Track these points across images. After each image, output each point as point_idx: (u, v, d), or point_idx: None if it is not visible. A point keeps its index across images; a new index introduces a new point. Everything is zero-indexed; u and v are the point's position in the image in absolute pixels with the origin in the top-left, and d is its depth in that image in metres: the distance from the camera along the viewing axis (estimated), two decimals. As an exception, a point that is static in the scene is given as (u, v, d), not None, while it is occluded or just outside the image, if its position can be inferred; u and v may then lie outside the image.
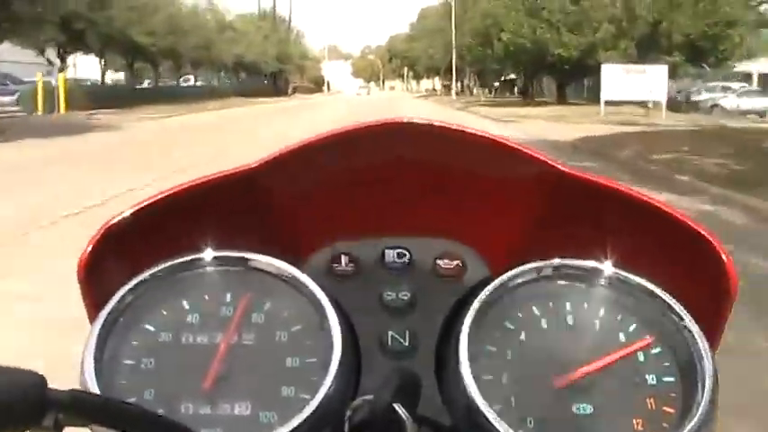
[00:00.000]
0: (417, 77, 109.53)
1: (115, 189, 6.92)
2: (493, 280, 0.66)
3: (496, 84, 52.92)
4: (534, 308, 0.65)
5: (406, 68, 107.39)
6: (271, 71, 57.54)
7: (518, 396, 0.61)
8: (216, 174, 0.65)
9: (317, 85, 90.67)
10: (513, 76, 48.99)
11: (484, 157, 0.69)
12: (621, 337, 0.64)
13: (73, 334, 0.81)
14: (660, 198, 0.67)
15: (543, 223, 0.70)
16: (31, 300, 3.82)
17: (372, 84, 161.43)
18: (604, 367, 0.61)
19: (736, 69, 28.83)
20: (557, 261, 0.67)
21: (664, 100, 20.40)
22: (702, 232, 0.63)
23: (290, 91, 69.31)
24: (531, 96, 38.08)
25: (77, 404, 0.50)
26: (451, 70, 55.78)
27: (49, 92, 22.85)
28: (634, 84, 20.63)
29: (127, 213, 0.64)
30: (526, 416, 0.60)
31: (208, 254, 0.67)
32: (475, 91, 60.03)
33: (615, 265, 0.66)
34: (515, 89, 49.84)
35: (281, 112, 26.92)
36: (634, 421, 0.60)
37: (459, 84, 69.53)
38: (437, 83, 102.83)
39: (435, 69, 70.25)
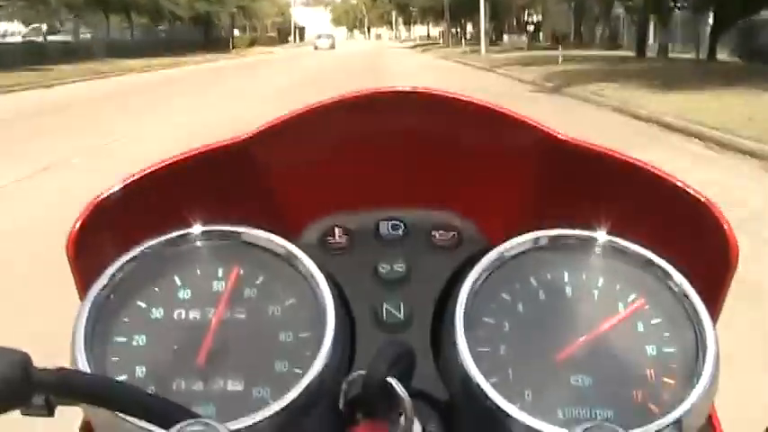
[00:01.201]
0: (408, 23, 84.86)
1: None
2: (489, 251, 0.69)
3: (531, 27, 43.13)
4: (532, 279, 0.69)
5: (394, 12, 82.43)
6: (192, 14, 35.28)
7: (515, 368, 0.64)
8: (207, 145, 0.69)
9: (283, 36, 68.28)
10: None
11: (481, 126, 0.73)
12: (620, 307, 0.67)
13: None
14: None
15: (541, 193, 0.74)
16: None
17: (356, 32, 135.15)
18: (603, 338, 0.64)
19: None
20: (554, 231, 0.70)
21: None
22: (703, 199, 0.66)
23: (231, 44, 46.88)
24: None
25: (63, 383, 0.49)
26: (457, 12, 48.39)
27: None
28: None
29: (116, 188, 0.67)
30: (524, 388, 0.63)
31: (199, 228, 0.70)
32: (506, 38, 37.17)
33: (613, 235, 0.69)
34: (540, 34, 42.20)
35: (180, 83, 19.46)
36: (634, 392, 0.63)
37: (459, 29, 60.32)
38: (432, 29, 78.57)
39: (434, 10, 60.31)
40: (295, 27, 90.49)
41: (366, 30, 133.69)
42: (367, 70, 21.49)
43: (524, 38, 39.68)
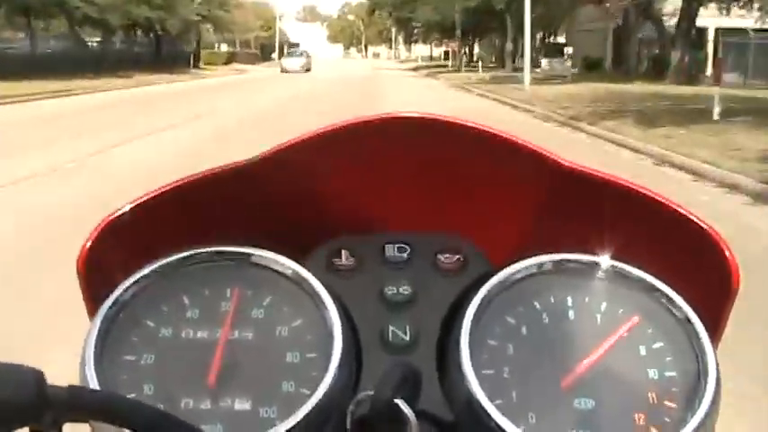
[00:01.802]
0: (409, 41, 74.19)
1: None
2: (494, 274, 0.73)
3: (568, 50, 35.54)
4: (535, 302, 0.72)
5: (393, 29, 71.82)
6: (127, 22, 24.28)
7: (519, 391, 0.67)
8: (216, 168, 0.73)
9: (267, 52, 58.26)
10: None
11: (485, 152, 0.76)
12: (624, 332, 0.70)
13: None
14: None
15: (544, 217, 0.78)
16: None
17: (353, 50, 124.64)
18: (606, 361, 0.68)
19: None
20: (558, 256, 0.73)
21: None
22: (705, 227, 0.69)
23: (193, 60, 35.58)
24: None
25: (76, 401, 0.51)
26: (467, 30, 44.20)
27: None
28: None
29: (127, 208, 0.71)
30: (528, 411, 0.66)
31: (208, 249, 0.74)
32: (545, 63, 25.03)
33: (616, 260, 0.73)
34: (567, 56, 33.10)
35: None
36: (636, 416, 0.66)
37: (467, 50, 53.54)
38: (435, 49, 68.14)
39: (440, 26, 51.25)
40: (284, 43, 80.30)
41: (363, 48, 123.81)
42: (350, 109, 11.65)
43: (568, 63, 29.71)
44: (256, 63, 60.07)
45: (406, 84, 30.52)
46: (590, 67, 30.59)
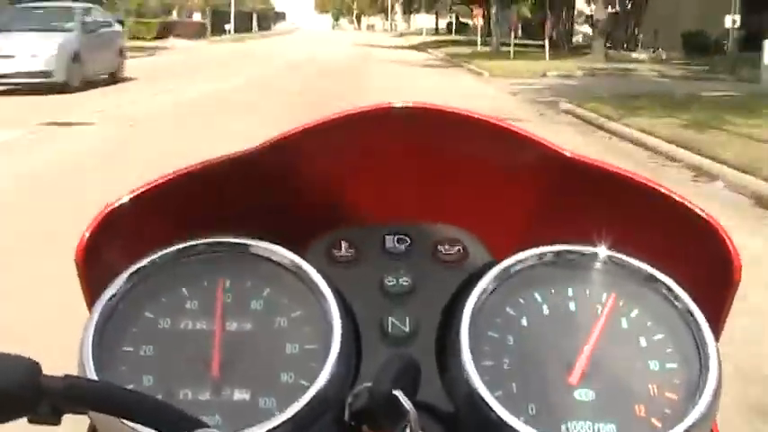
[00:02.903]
0: (408, 11, 56.54)
1: None
2: (494, 265, 0.77)
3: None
4: (536, 294, 0.76)
5: None
6: None
7: (519, 382, 0.71)
8: (215, 158, 0.77)
9: (218, 25, 42.57)
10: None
11: (487, 142, 0.81)
12: (624, 322, 0.74)
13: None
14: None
15: (545, 208, 0.82)
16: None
17: (344, 21, 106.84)
18: (606, 353, 0.72)
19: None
20: (558, 247, 0.77)
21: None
22: (707, 217, 0.73)
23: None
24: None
25: (72, 391, 0.54)
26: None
27: None
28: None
29: (126, 199, 0.75)
30: (528, 402, 0.70)
31: (207, 240, 0.78)
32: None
33: (617, 251, 0.77)
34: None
35: None
36: (636, 407, 0.69)
37: (455, 21, 50.26)
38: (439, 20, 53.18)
39: None
40: (267, 12, 64.02)
41: (355, 19, 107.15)
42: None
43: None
44: (201, 37, 43.45)
45: (406, 74, 19.97)
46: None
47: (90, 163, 7.25)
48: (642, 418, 0.68)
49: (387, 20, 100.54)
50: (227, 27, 50.33)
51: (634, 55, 26.87)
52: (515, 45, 26.34)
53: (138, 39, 39.01)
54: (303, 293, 0.75)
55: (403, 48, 39.33)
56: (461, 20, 58.52)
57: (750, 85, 15.37)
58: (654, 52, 27.19)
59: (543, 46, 23.19)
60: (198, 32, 45.65)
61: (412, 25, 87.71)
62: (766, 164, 7.01)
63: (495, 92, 15.87)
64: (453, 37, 51.35)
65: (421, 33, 63.03)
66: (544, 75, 18.82)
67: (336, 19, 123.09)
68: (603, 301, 0.74)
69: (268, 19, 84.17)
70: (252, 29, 64.58)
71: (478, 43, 32.22)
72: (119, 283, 0.73)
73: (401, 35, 68.79)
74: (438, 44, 38.97)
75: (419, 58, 28.60)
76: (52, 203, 5.58)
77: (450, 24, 61.62)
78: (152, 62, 23.96)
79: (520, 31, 33.56)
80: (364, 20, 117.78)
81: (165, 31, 42.35)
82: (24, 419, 0.51)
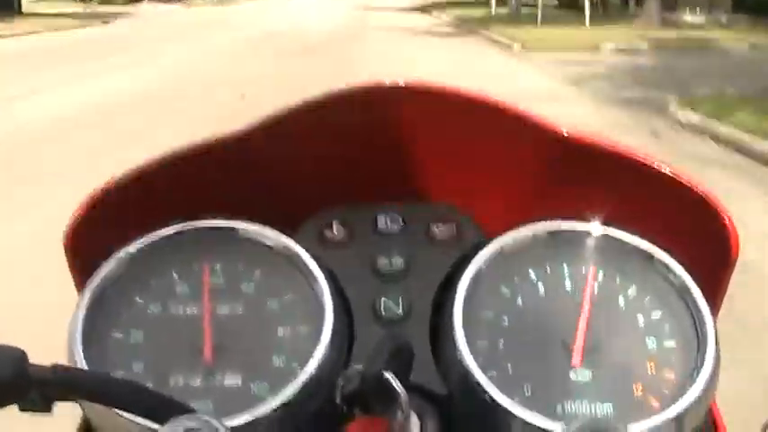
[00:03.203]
0: None
1: None
2: (488, 244, 0.76)
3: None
4: (531, 272, 0.76)
5: None
6: None
7: (514, 362, 0.71)
8: (203, 140, 0.76)
9: None
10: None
11: (482, 120, 0.79)
12: (621, 301, 0.74)
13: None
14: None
15: (541, 186, 0.81)
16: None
17: None
18: (603, 332, 0.71)
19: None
20: (553, 224, 0.77)
21: None
22: (706, 195, 0.72)
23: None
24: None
25: (58, 379, 0.54)
26: None
27: None
28: None
29: (113, 182, 0.75)
30: (523, 382, 0.70)
31: (196, 223, 0.77)
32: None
33: (614, 228, 0.77)
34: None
35: None
36: (634, 386, 0.69)
37: None
38: None
39: None
40: None
41: None
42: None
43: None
44: (177, 1, 37.88)
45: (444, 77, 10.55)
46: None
47: None
48: (640, 398, 0.67)
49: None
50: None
51: (688, 18, 20.51)
52: (534, 7, 21.40)
53: (108, 3, 33.69)
54: (294, 276, 0.74)
55: (402, 10, 32.94)
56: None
57: None
58: (709, 14, 21.68)
59: (568, 8, 18.89)
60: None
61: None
62: None
63: (544, 78, 10.10)
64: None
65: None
66: (596, 48, 13.76)
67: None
68: (600, 279, 0.74)
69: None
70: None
71: (493, 4, 26.58)
72: (107, 268, 0.72)
73: None
74: (443, 5, 32.74)
75: (424, 24, 22.81)
76: None
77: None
78: (84, 36, 18.16)
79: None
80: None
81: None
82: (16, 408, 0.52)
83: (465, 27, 21.38)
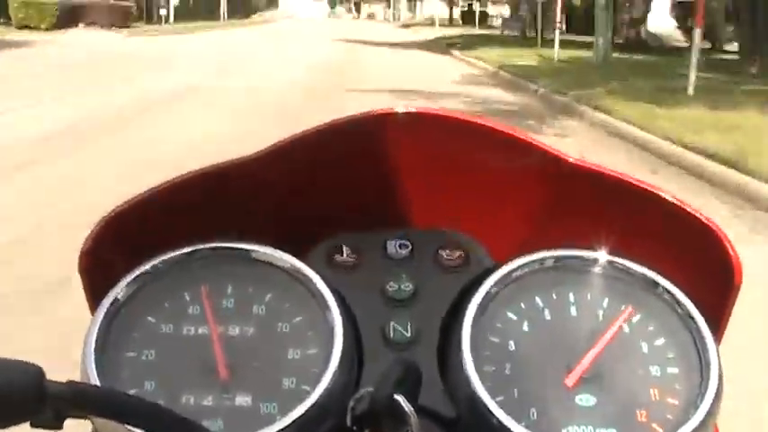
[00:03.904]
0: None
1: None
2: (495, 271, 0.78)
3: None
4: (537, 298, 0.77)
5: None
6: None
7: (521, 387, 0.72)
8: (216, 165, 0.78)
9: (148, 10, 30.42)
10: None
11: (489, 147, 0.81)
12: (625, 327, 0.75)
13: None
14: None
15: (547, 213, 0.83)
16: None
17: (340, 9, 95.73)
18: (608, 358, 0.72)
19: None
20: (559, 252, 0.78)
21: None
22: (710, 225, 0.73)
23: None
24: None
25: (75, 396, 0.54)
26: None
27: None
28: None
29: (128, 205, 0.76)
30: (529, 407, 0.71)
31: (209, 245, 0.78)
32: None
33: (618, 256, 0.78)
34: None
35: None
36: (637, 412, 0.70)
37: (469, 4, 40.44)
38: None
39: None
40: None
41: (353, 6, 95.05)
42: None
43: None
44: (125, 26, 30.81)
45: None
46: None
47: None
48: (644, 424, 0.68)
49: (389, 8, 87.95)
50: (162, 12, 34.86)
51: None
52: (562, 42, 15.59)
53: (29, 28, 27.00)
54: (305, 298, 0.75)
55: (409, 46, 25.29)
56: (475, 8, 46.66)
57: None
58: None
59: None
60: (120, 18, 31.21)
61: (417, 14, 75.14)
62: None
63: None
64: (479, 30, 37.23)
65: (431, 24, 50.68)
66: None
67: (333, 6, 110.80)
68: (605, 306, 0.75)
69: (250, 3, 70.64)
70: (220, 14, 47.90)
71: (538, 41, 19.71)
72: (121, 287, 0.74)
73: (407, 26, 51.75)
74: (463, 42, 24.30)
75: (446, 75, 14.87)
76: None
77: (464, 13, 49.84)
78: None
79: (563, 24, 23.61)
80: (365, 7, 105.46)
81: (71, 17, 28.74)
82: (26, 424, 0.51)
83: (543, 101, 11.47)
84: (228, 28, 38.22)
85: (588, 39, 18.68)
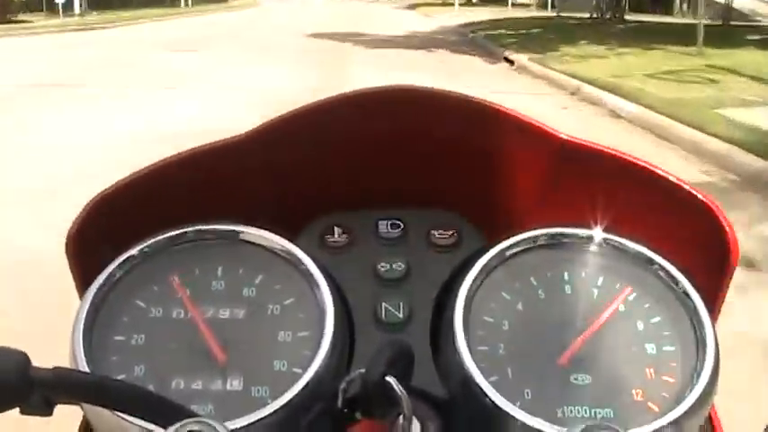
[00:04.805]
0: None
1: None
2: (489, 250, 0.78)
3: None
4: (531, 277, 0.77)
5: None
6: None
7: (515, 367, 0.72)
8: (205, 145, 0.78)
9: None
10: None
11: (481, 125, 0.81)
12: (621, 306, 0.75)
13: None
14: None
15: (541, 191, 0.82)
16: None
17: None
18: (603, 336, 0.73)
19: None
20: (553, 229, 0.78)
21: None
22: (706, 201, 0.74)
23: None
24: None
25: (61, 382, 0.55)
26: None
27: None
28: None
29: (116, 187, 0.76)
30: (523, 387, 0.71)
31: (198, 227, 0.78)
32: None
33: (613, 233, 0.78)
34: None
35: None
36: (633, 391, 0.70)
37: None
38: None
39: None
40: None
41: None
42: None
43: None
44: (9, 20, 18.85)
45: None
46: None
47: None
48: (640, 402, 0.68)
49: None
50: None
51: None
52: (628, 22, 13.41)
53: None
54: (296, 280, 0.75)
55: (426, 43, 15.78)
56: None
57: None
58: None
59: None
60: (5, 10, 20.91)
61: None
62: None
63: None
64: (511, 12, 28.39)
65: (442, 2, 41.61)
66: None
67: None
68: (600, 284, 0.75)
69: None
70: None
71: (699, 38, 10.40)
72: (108, 271, 0.74)
73: (414, 6, 39.05)
74: (513, 35, 15.91)
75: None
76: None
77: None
78: None
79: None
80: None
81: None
82: (16, 410, 0.52)
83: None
84: (155, 22, 23.90)
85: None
